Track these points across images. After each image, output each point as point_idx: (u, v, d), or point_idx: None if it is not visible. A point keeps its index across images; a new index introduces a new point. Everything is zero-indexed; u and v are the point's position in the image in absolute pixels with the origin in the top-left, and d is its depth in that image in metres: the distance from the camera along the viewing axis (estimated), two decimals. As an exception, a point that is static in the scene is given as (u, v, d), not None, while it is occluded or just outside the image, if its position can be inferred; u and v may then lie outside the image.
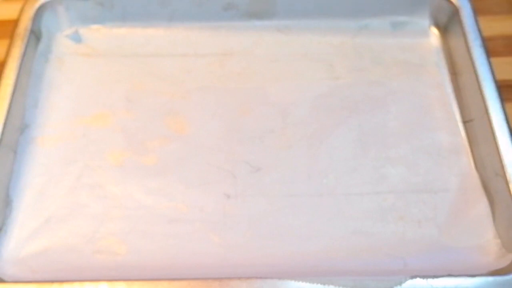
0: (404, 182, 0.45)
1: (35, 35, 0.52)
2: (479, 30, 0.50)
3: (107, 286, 0.36)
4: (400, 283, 0.36)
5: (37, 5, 0.52)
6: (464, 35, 0.50)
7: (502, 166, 0.42)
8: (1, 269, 0.40)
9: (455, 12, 0.52)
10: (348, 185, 0.44)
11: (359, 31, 0.55)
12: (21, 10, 0.52)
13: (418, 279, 0.36)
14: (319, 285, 0.36)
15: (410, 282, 0.36)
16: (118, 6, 0.54)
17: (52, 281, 0.37)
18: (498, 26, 0.55)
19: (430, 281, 0.36)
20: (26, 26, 0.51)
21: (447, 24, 0.53)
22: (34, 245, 0.41)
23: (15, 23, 0.51)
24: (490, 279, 0.37)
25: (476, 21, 0.51)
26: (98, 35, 0.55)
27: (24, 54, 0.49)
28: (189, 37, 0.55)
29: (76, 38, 0.55)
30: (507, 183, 0.41)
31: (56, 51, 0.53)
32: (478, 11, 0.52)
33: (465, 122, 0.48)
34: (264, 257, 0.41)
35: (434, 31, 0.54)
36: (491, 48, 0.51)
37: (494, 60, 0.49)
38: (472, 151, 0.46)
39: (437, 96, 0.50)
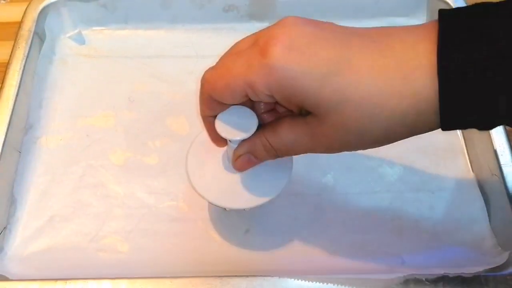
0: (401, 181, 0.45)
1: (39, 36, 0.52)
2: (476, 32, 0.51)
3: (110, 284, 0.36)
4: (398, 281, 0.36)
5: (40, 7, 0.53)
6: (461, 37, 0.51)
7: (497, 166, 0.43)
8: (6, 267, 0.40)
9: (452, 14, 0.52)
10: (347, 184, 0.45)
11: (358, 33, 0.55)
12: (25, 12, 0.52)
13: (415, 277, 0.37)
14: (318, 283, 0.36)
15: (407, 280, 0.37)
16: (121, 8, 0.55)
17: (56, 279, 0.37)
18: (495, 28, 0.56)
19: (427, 279, 0.37)
20: (29, 27, 0.51)
21: (444, 26, 0.54)
22: (38, 244, 0.42)
23: (19, 24, 0.52)
24: (486, 277, 0.37)
25: (473, 23, 0.51)
26: (101, 36, 0.55)
27: (28, 56, 0.49)
28: (190, 38, 0.55)
29: (79, 40, 0.55)
30: (502, 182, 0.42)
31: (59, 52, 0.54)
32: (475, 13, 0.52)
33: (461, 122, 0.49)
34: (264, 255, 0.41)
35: (432, 33, 0.55)
36: (488, 49, 0.52)
37: (490, 61, 0.49)
38: (468, 151, 0.47)
39: (434, 97, 0.51)
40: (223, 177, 0.37)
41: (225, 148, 0.37)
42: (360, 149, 0.31)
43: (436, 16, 0.27)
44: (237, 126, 0.33)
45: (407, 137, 0.30)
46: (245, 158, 0.34)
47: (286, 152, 0.33)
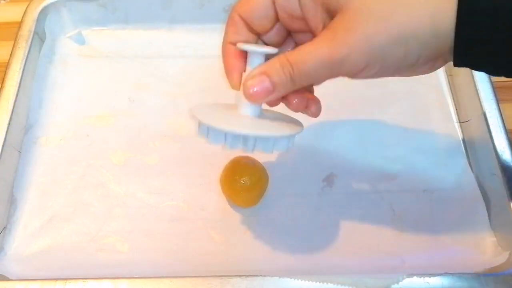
0: (401, 181, 0.45)
1: (39, 36, 0.52)
2: (476, 32, 0.51)
3: (110, 283, 0.37)
4: (398, 281, 0.37)
5: (40, 7, 0.53)
6: (460, 36, 0.51)
7: (497, 166, 0.43)
8: (6, 267, 0.40)
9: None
10: (347, 184, 0.45)
11: (358, 33, 0.55)
12: (25, 12, 0.52)
13: (415, 277, 0.37)
14: (318, 283, 0.36)
15: (407, 280, 0.37)
16: (121, 9, 0.55)
17: (56, 279, 0.37)
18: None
19: (427, 279, 0.37)
20: (30, 27, 0.51)
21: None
22: (38, 244, 0.42)
23: (19, 24, 0.52)
24: (486, 276, 0.37)
25: (473, 23, 0.51)
26: (101, 36, 0.55)
27: (28, 56, 0.49)
28: (190, 38, 0.55)
29: (79, 40, 0.55)
30: (502, 182, 0.42)
31: (59, 52, 0.54)
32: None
33: (461, 122, 0.49)
34: (264, 255, 0.41)
35: (432, 33, 0.55)
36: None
37: (490, 61, 0.49)
38: (468, 151, 0.47)
39: (434, 97, 0.51)
40: (230, 114, 0.35)
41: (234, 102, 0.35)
42: (379, 63, 0.30)
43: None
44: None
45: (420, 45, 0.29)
46: (257, 79, 0.32)
47: (302, 67, 0.31)
